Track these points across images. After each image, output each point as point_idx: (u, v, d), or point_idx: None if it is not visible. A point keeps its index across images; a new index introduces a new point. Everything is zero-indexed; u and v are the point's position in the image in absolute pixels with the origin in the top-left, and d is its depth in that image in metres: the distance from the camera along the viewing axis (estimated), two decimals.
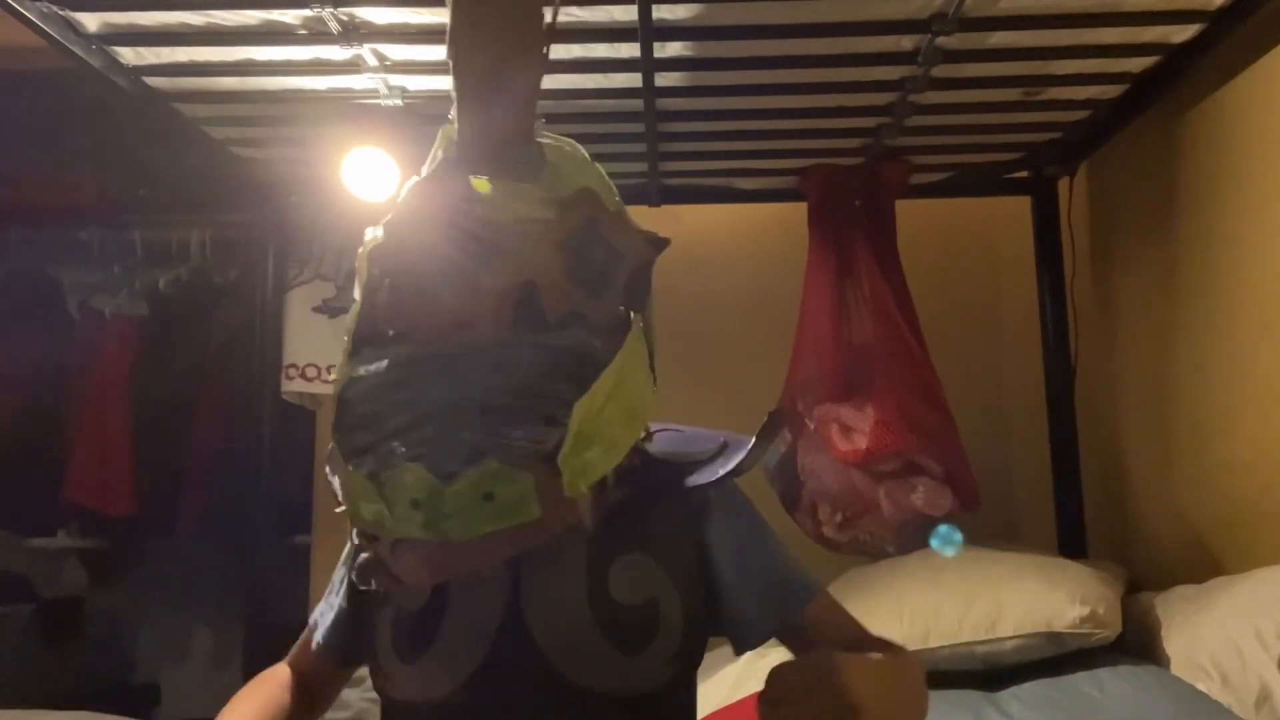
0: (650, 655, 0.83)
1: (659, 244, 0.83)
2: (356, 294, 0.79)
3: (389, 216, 0.79)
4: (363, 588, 0.78)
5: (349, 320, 0.79)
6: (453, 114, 0.80)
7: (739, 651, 0.92)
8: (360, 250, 0.80)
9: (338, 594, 0.97)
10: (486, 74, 0.77)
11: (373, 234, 0.80)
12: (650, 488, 0.86)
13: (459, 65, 0.77)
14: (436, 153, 0.82)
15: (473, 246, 0.74)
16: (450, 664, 0.82)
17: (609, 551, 0.83)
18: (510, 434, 0.70)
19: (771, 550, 0.92)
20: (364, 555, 0.76)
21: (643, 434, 0.83)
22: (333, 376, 0.78)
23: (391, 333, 0.75)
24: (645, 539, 0.85)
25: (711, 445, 0.90)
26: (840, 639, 0.90)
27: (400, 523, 0.70)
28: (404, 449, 0.70)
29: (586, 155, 0.85)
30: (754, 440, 0.85)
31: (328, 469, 0.76)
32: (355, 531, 0.75)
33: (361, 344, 0.76)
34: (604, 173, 0.85)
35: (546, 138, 0.84)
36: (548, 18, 0.80)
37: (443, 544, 0.71)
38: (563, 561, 0.82)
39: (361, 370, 0.74)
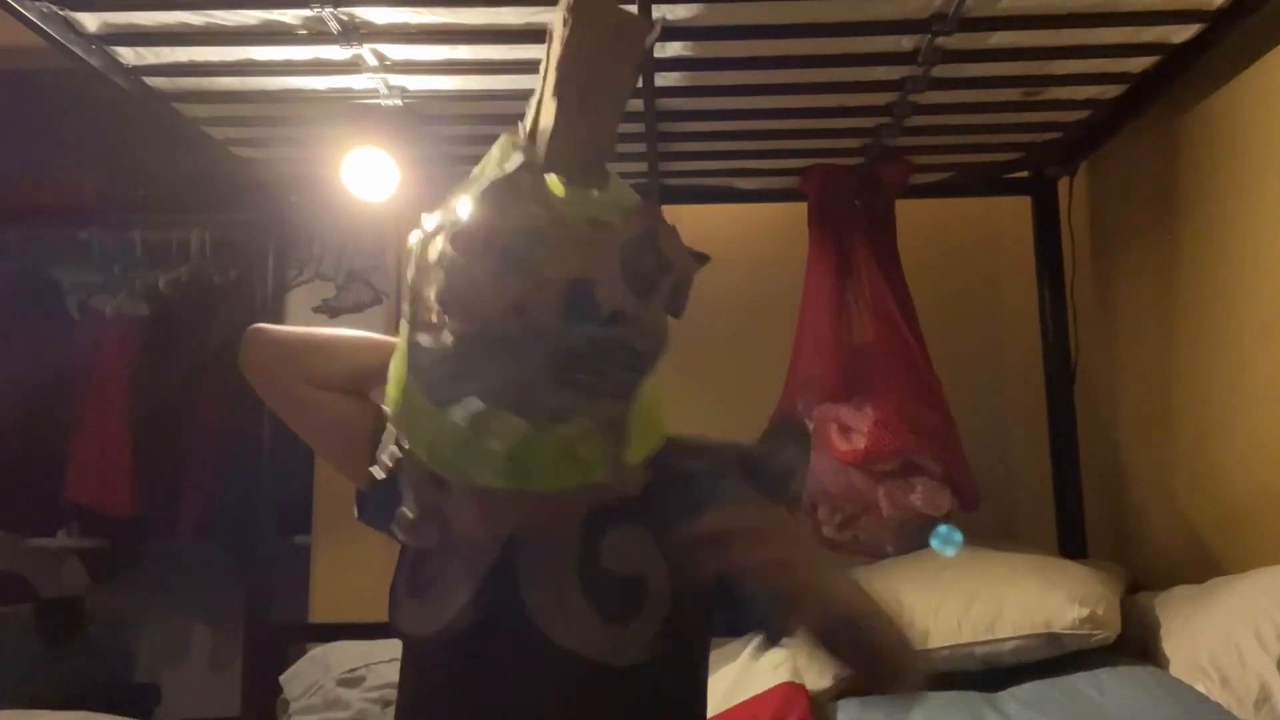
0: (634, 628, 0.86)
1: (702, 259, 0.89)
2: (410, 273, 0.85)
3: (463, 205, 0.85)
4: (401, 539, 0.86)
5: (406, 302, 0.85)
6: (526, 122, 0.87)
7: (772, 635, 0.96)
8: (414, 232, 0.86)
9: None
10: (593, 88, 0.84)
11: (432, 222, 0.86)
12: (664, 472, 0.90)
13: (570, 78, 0.84)
14: (505, 157, 0.87)
15: (543, 241, 0.81)
16: (443, 605, 0.88)
17: (607, 524, 0.88)
18: (589, 401, 0.79)
19: None
20: (406, 510, 0.84)
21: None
22: (396, 339, 0.85)
23: (443, 312, 0.81)
24: (650, 516, 0.89)
25: (718, 444, 0.95)
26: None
27: (485, 468, 0.79)
28: (495, 405, 0.77)
29: None
30: (770, 437, 0.93)
31: (392, 423, 0.84)
32: (412, 479, 0.84)
33: (419, 316, 0.83)
34: None
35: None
36: (646, 43, 0.88)
37: (508, 496, 0.80)
38: (562, 524, 0.87)
39: (425, 340, 0.82)
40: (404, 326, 0.85)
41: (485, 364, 0.79)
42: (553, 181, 0.84)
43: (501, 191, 0.84)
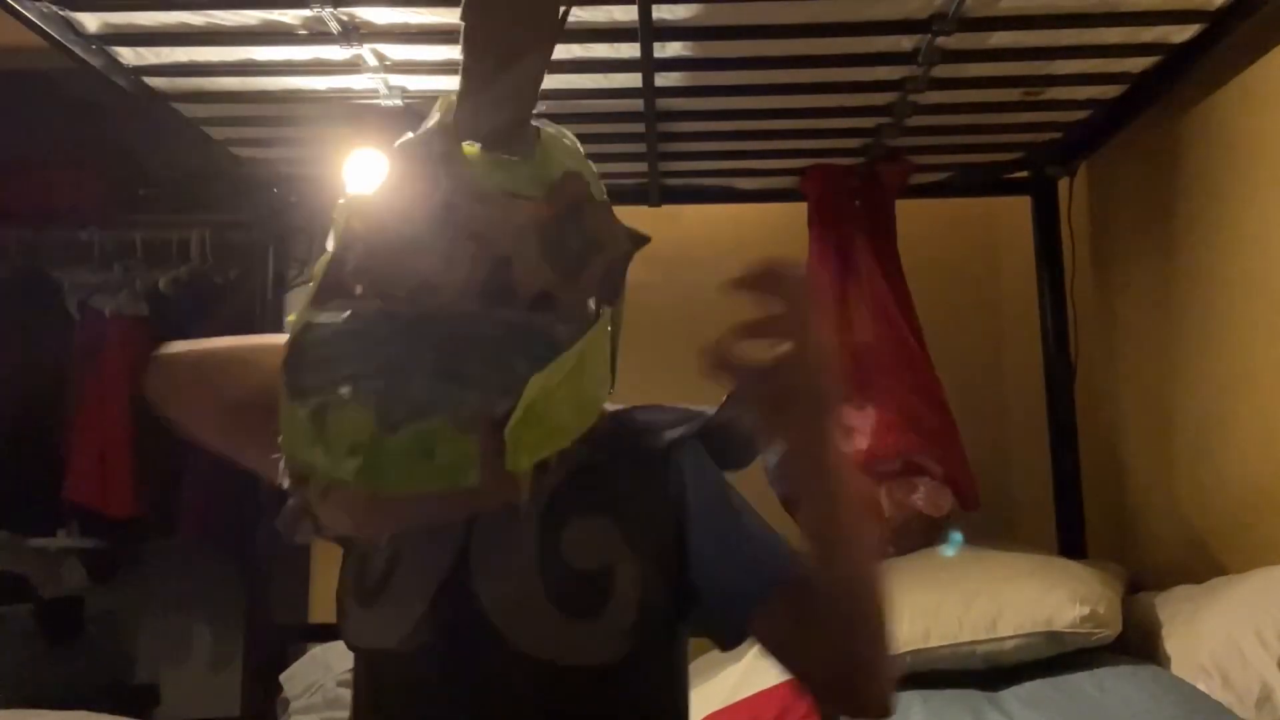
0: (602, 625, 0.79)
1: (639, 240, 0.82)
2: (329, 244, 0.78)
3: (377, 173, 0.79)
4: (285, 538, 0.78)
5: (316, 267, 0.78)
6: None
7: (730, 632, 0.85)
8: (341, 200, 0.79)
9: None
10: (499, 45, 0.77)
11: (355, 189, 0.79)
12: (618, 450, 0.84)
13: (472, 34, 0.77)
14: (431, 116, 0.80)
15: (453, 213, 0.73)
16: (397, 614, 0.82)
17: (567, 513, 0.81)
18: (461, 396, 0.69)
19: (751, 518, 0.88)
20: (290, 502, 0.75)
21: (589, 426, 0.80)
22: (289, 318, 0.76)
23: (359, 289, 0.74)
24: (608, 503, 0.83)
25: (677, 413, 0.89)
26: None
27: (335, 467, 0.68)
28: (350, 395, 0.69)
29: (579, 146, 0.84)
30: (724, 402, 0.83)
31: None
32: (287, 474, 0.74)
33: (326, 295, 0.75)
34: (592, 166, 0.84)
35: (542, 124, 0.83)
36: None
37: (373, 496, 0.70)
38: (516, 521, 0.80)
39: (321, 318, 0.73)
40: (303, 304, 0.76)
41: (365, 348, 0.71)
42: (471, 149, 0.76)
43: (409, 155, 0.77)
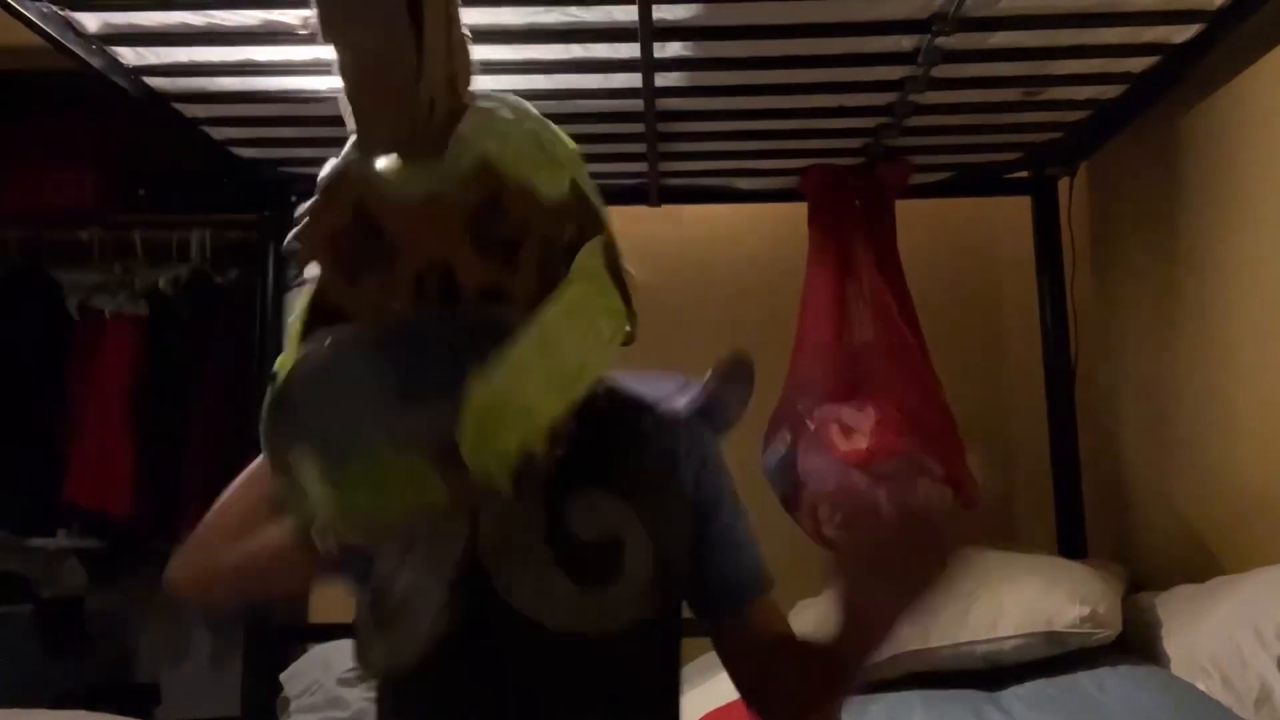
0: (614, 594, 0.81)
1: (565, 212, 0.80)
2: (308, 275, 0.81)
3: (311, 201, 0.80)
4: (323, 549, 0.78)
5: (299, 303, 0.80)
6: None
7: (708, 615, 0.90)
8: (287, 241, 0.81)
9: None
10: (344, 41, 0.77)
11: (295, 224, 0.81)
12: (619, 422, 0.86)
13: (335, 45, 0.77)
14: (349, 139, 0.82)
15: (382, 229, 0.75)
16: (416, 625, 0.81)
17: (570, 486, 0.82)
18: (399, 419, 0.68)
19: (747, 523, 0.92)
20: (318, 521, 0.76)
21: (588, 391, 0.78)
22: (277, 365, 0.77)
23: (325, 321, 0.76)
24: (612, 475, 0.84)
25: (670, 384, 0.91)
26: (778, 624, 0.91)
27: (318, 506, 0.71)
28: (312, 440, 0.70)
29: (507, 112, 0.81)
30: (718, 377, 0.87)
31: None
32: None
33: (311, 327, 0.77)
34: (541, 127, 0.81)
35: (489, 101, 0.81)
36: None
37: (363, 529, 0.73)
38: (521, 500, 0.78)
39: (301, 352, 0.75)
40: (291, 344, 0.77)
41: (322, 390, 0.72)
42: (384, 162, 0.77)
43: (327, 186, 0.79)
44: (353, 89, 0.78)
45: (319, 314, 0.78)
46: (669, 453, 0.88)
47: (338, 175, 0.79)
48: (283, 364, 0.75)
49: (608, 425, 0.84)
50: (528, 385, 0.71)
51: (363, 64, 0.77)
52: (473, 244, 0.75)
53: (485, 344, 0.70)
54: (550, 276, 0.77)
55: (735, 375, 0.93)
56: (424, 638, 0.81)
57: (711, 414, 0.91)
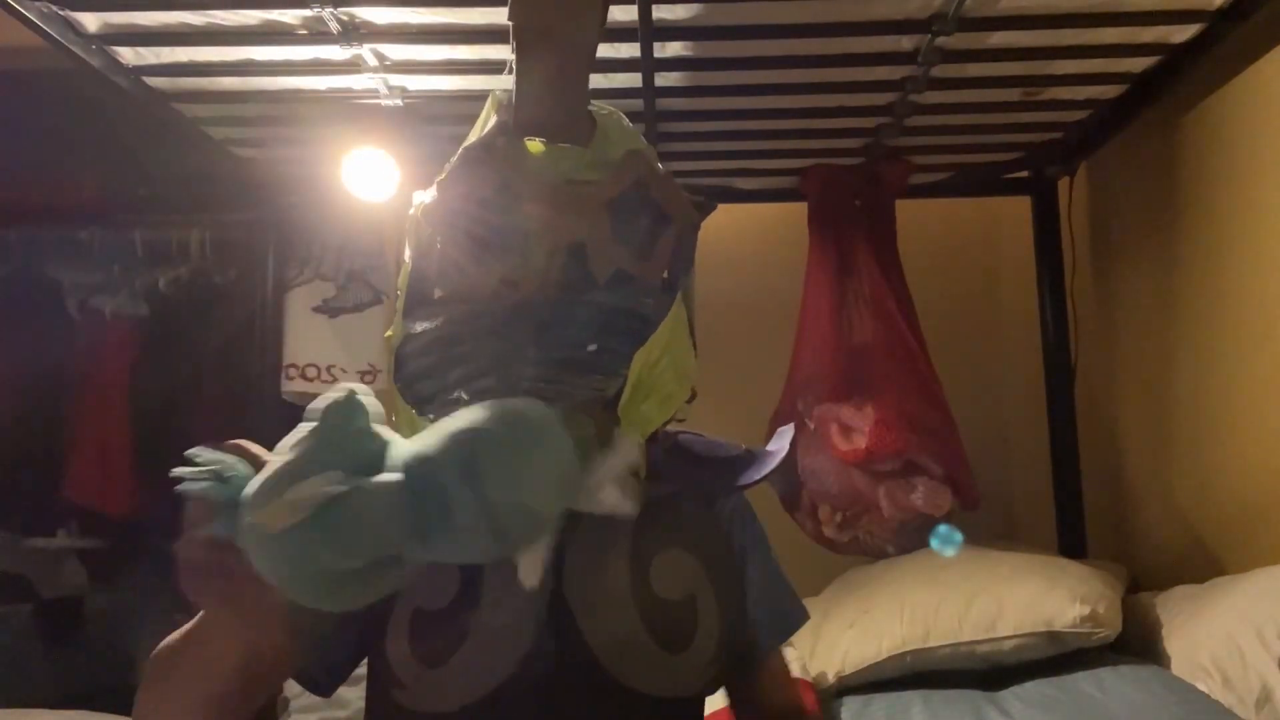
0: (691, 655, 0.80)
1: (706, 208, 0.83)
2: (406, 255, 0.80)
3: (441, 177, 0.80)
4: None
5: (400, 280, 0.80)
6: (507, 82, 0.81)
7: (731, 667, 0.90)
8: (411, 211, 0.81)
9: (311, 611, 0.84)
10: (547, 32, 0.79)
11: (424, 196, 0.81)
12: (684, 481, 0.85)
13: (520, 31, 0.78)
14: (488, 118, 0.82)
15: (522, 207, 0.75)
16: (485, 665, 0.77)
17: (651, 544, 0.81)
18: (572, 381, 0.71)
19: (780, 570, 0.94)
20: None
21: (690, 394, 0.82)
22: (387, 334, 0.79)
23: (439, 294, 0.76)
24: (683, 535, 0.84)
25: (735, 449, 0.90)
26: (786, 688, 0.93)
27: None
28: (467, 397, 0.71)
29: (629, 123, 0.86)
30: (779, 449, 0.87)
31: (392, 417, 0.75)
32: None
33: (413, 305, 0.78)
34: (645, 142, 0.85)
35: (595, 108, 0.85)
36: None
37: None
38: (606, 552, 0.79)
39: (417, 328, 0.76)
40: (396, 319, 0.78)
41: (468, 350, 0.73)
42: (533, 143, 0.78)
43: (473, 158, 0.78)
44: (534, 65, 0.79)
45: (419, 291, 0.78)
46: (735, 518, 0.90)
47: (484, 149, 0.78)
48: (396, 333, 0.77)
49: (670, 480, 0.83)
50: (669, 369, 0.76)
51: (555, 42, 0.79)
52: (611, 229, 0.75)
53: (627, 325, 0.74)
54: (673, 268, 0.78)
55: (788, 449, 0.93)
56: (492, 678, 0.76)
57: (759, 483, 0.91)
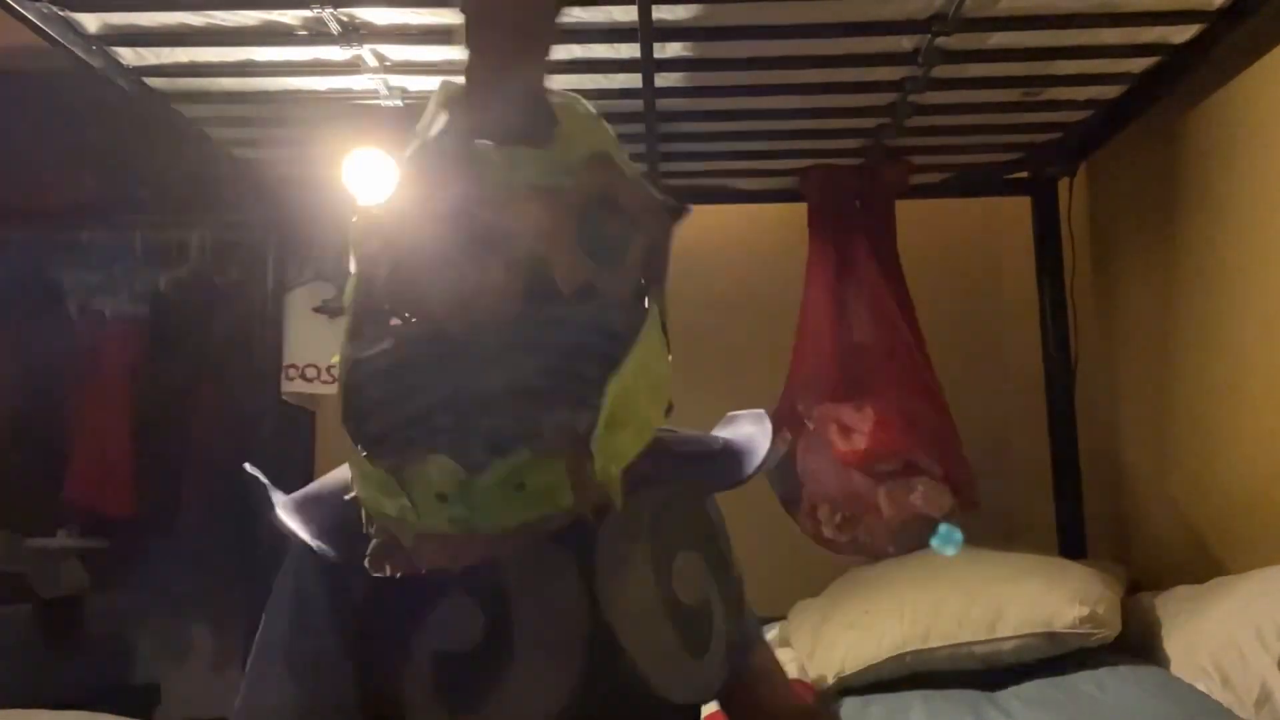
0: (710, 659, 0.79)
1: (679, 212, 0.76)
2: (351, 267, 0.72)
3: (389, 185, 0.72)
4: (375, 574, 0.69)
5: (346, 295, 0.72)
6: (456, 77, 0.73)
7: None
8: (354, 220, 0.73)
9: (313, 667, 0.76)
10: (500, 20, 0.71)
11: (369, 203, 0.73)
12: (682, 481, 0.82)
13: (473, 22, 0.70)
14: (436, 115, 0.74)
15: (477, 217, 0.67)
16: (532, 701, 0.72)
17: (667, 550, 0.78)
18: (539, 418, 0.64)
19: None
20: (377, 542, 0.69)
21: (666, 408, 0.75)
22: (334, 360, 0.70)
23: (389, 310, 0.69)
24: (689, 536, 0.82)
25: (716, 442, 0.87)
26: (782, 692, 0.90)
27: (425, 517, 0.64)
28: (423, 438, 0.64)
29: (593, 110, 0.78)
30: (758, 436, 0.84)
31: (351, 462, 0.69)
32: (372, 524, 0.69)
33: (361, 324, 0.70)
34: (611, 131, 0.78)
35: (552, 96, 0.76)
36: None
37: (467, 536, 0.65)
38: (630, 563, 0.76)
39: (366, 352, 0.68)
40: (343, 341, 0.70)
41: (421, 382, 0.66)
42: (485, 147, 0.70)
43: (422, 162, 0.70)
44: (489, 60, 0.70)
45: (367, 309, 0.70)
46: (706, 512, 0.86)
47: (433, 153, 0.71)
48: (345, 357, 0.69)
49: (669, 481, 0.80)
50: (643, 392, 0.69)
51: (511, 35, 0.71)
52: (575, 239, 0.68)
53: (596, 345, 0.67)
54: (641, 285, 0.72)
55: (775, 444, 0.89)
56: (543, 712, 0.72)
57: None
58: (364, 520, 0.70)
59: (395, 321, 0.69)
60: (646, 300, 0.73)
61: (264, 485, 0.80)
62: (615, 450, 0.67)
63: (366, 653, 0.74)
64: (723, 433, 0.89)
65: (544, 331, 0.66)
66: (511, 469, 0.63)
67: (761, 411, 0.88)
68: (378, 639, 0.74)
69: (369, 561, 0.69)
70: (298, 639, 0.77)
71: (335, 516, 0.75)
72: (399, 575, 0.69)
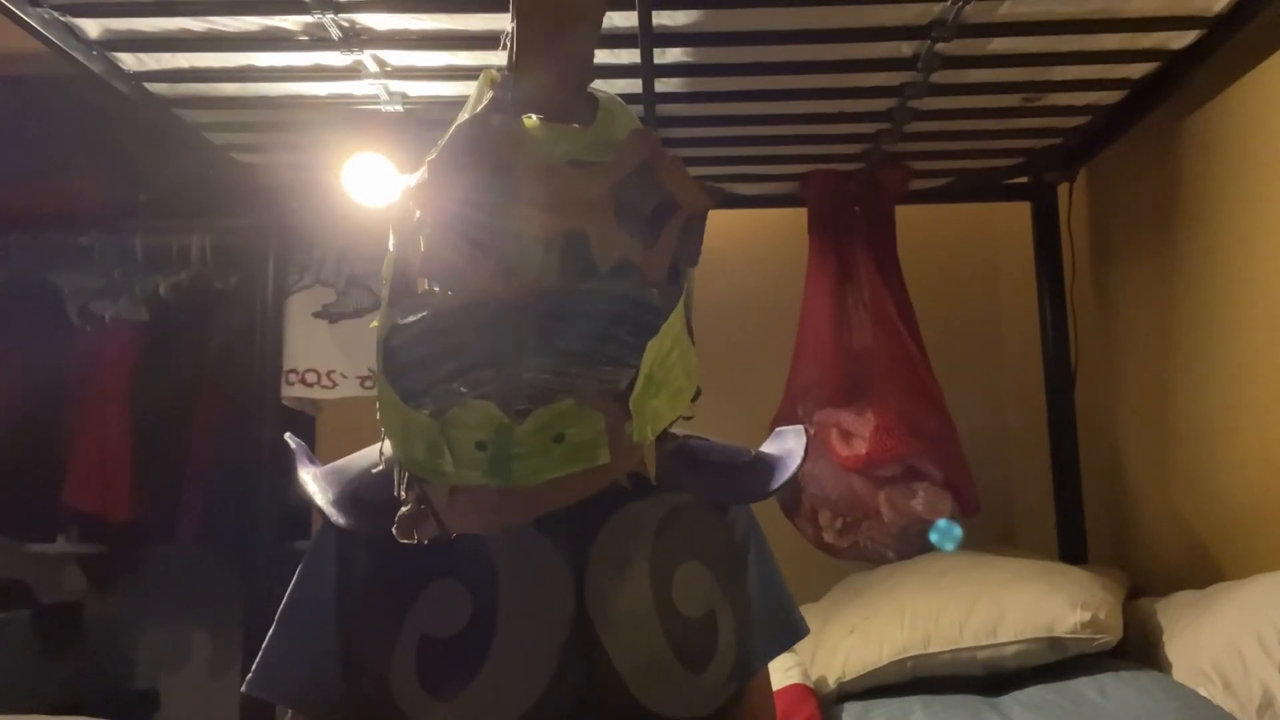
0: (711, 674, 0.77)
1: (716, 195, 0.79)
2: (390, 244, 0.74)
3: (431, 156, 0.74)
4: (403, 540, 0.71)
5: (385, 269, 0.74)
6: (500, 61, 0.75)
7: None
8: (399, 195, 0.75)
9: (312, 633, 0.79)
10: (550, 10, 0.72)
11: (414, 178, 0.74)
12: (702, 490, 0.82)
13: (520, 1, 0.72)
14: (481, 96, 0.76)
15: (519, 190, 0.68)
16: (505, 694, 0.72)
17: (671, 558, 0.78)
18: (579, 373, 0.65)
19: (782, 581, 0.90)
20: (405, 508, 0.70)
21: (696, 392, 0.76)
22: (373, 324, 0.73)
23: (430, 282, 0.71)
24: (700, 547, 0.80)
25: (746, 454, 0.86)
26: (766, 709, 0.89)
27: (461, 466, 0.65)
28: (468, 388, 0.65)
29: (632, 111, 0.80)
30: (793, 453, 0.84)
31: (378, 414, 0.70)
32: (403, 482, 0.70)
33: (399, 295, 0.72)
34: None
35: (595, 90, 0.79)
36: None
37: (504, 490, 0.66)
38: (628, 568, 0.76)
39: (404, 319, 0.69)
40: (382, 309, 0.72)
41: (463, 341, 0.67)
42: (530, 121, 0.71)
43: (467, 138, 0.71)
44: (535, 38, 0.72)
45: (406, 282, 0.72)
46: (745, 529, 0.85)
47: (479, 127, 0.71)
48: (383, 323, 0.71)
49: (684, 488, 0.80)
50: (678, 364, 0.70)
51: (558, 14, 0.72)
52: (614, 215, 0.69)
53: (634, 315, 0.68)
54: (679, 257, 0.73)
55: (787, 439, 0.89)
56: (513, 708, 0.72)
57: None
58: (395, 483, 0.71)
59: (430, 293, 0.71)
60: (682, 279, 0.74)
61: (294, 453, 0.84)
62: (652, 412, 0.68)
63: (359, 627, 0.77)
64: (768, 448, 0.88)
65: (582, 301, 0.67)
66: (553, 415, 0.64)
67: (801, 428, 0.89)
68: (371, 614, 0.76)
69: (396, 528, 0.71)
70: (298, 607, 0.81)
71: (354, 489, 0.78)
72: (423, 541, 0.70)
